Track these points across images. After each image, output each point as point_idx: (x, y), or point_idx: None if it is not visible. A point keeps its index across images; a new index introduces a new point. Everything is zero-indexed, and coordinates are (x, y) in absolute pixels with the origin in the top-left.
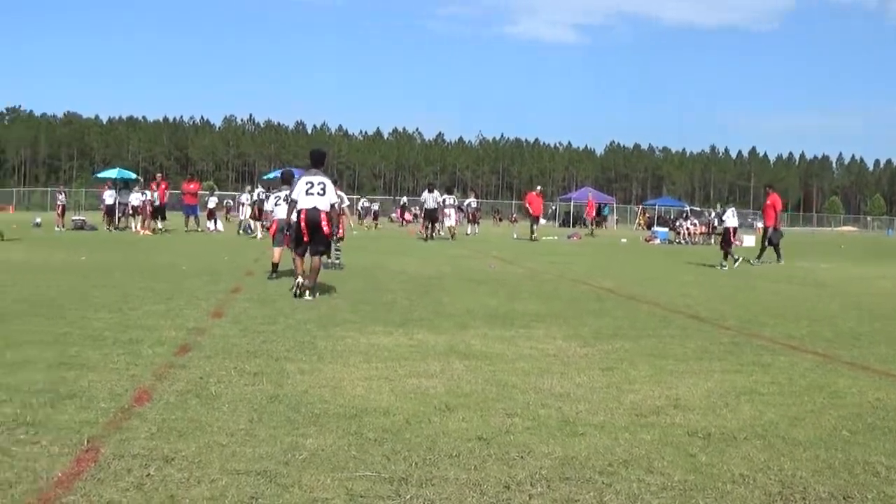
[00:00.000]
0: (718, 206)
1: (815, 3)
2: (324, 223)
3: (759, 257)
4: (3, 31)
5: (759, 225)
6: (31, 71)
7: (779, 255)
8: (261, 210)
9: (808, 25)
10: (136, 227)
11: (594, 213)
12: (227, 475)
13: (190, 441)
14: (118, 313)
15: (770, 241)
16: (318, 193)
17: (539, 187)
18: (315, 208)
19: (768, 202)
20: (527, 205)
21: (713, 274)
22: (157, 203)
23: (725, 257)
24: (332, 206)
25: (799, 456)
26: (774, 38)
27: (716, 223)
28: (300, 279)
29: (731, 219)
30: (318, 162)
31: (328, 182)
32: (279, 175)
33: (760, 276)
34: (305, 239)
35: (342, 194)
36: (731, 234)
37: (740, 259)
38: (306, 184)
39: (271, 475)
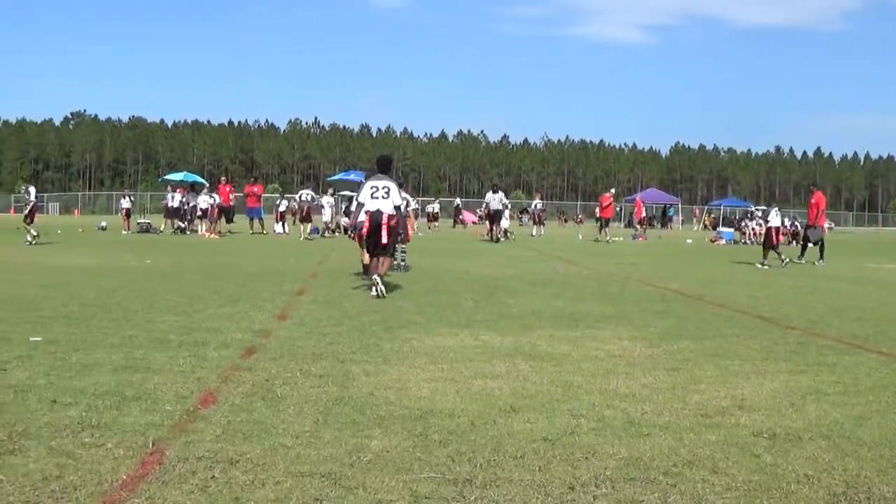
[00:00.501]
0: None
1: (880, 2)
2: (384, 225)
3: (775, 257)
4: (68, 36)
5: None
6: (96, 75)
7: (802, 253)
8: (308, 212)
9: (874, 25)
10: (202, 230)
11: (643, 215)
12: (291, 477)
13: (255, 443)
14: (184, 316)
15: (808, 238)
16: (383, 197)
17: (612, 189)
18: (378, 210)
19: (812, 200)
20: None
21: (778, 274)
22: (222, 206)
23: (765, 256)
24: (397, 208)
25: (864, 456)
26: (840, 37)
27: (791, 224)
28: (375, 277)
29: (774, 219)
30: (384, 167)
31: (392, 186)
32: (347, 177)
33: (825, 277)
34: (367, 238)
35: (408, 197)
36: (775, 234)
37: (766, 264)
38: (371, 188)
39: (336, 477)
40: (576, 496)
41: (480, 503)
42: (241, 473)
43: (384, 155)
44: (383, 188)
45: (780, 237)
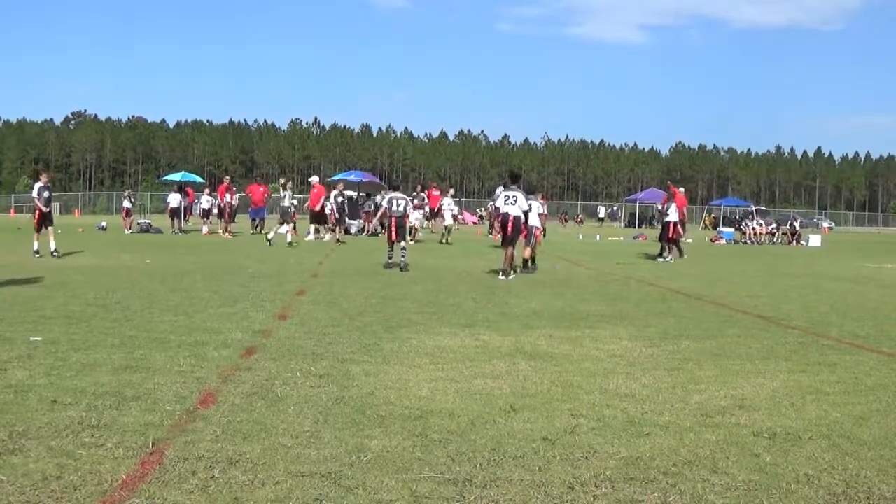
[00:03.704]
0: (659, 205)
1: (881, 2)
2: (509, 224)
3: (670, 253)
4: (68, 36)
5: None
6: (97, 75)
7: (678, 251)
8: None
9: (874, 24)
10: (204, 230)
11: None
12: (291, 477)
13: (255, 443)
14: (184, 316)
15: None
16: (511, 203)
17: (681, 188)
18: (507, 213)
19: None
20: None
21: (778, 274)
22: (222, 206)
23: (667, 250)
24: (526, 213)
25: (864, 455)
26: (840, 37)
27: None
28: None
29: (672, 213)
30: (514, 180)
31: (520, 195)
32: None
33: (826, 277)
34: (501, 234)
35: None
36: (672, 229)
37: (670, 257)
38: (504, 196)
39: (336, 477)
40: (576, 496)
41: (480, 503)
42: (240, 473)
43: (514, 171)
44: (512, 196)
45: (673, 232)
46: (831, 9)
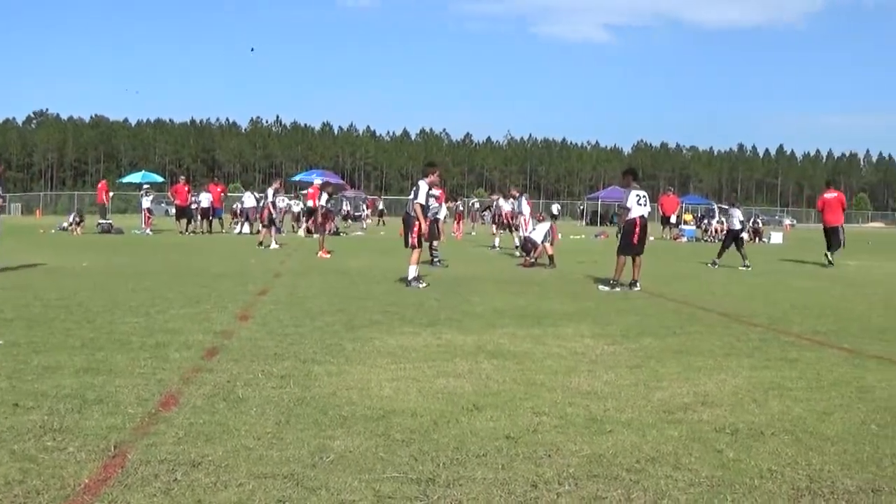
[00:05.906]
0: (555, 207)
1: (842, 4)
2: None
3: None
4: (31, 35)
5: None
6: (58, 74)
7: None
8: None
9: (836, 25)
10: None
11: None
12: (254, 479)
13: (217, 445)
14: (145, 317)
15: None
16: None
17: (671, 188)
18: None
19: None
20: (660, 206)
21: (738, 272)
22: (178, 206)
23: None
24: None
25: (827, 450)
26: (802, 37)
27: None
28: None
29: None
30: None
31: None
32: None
33: (787, 273)
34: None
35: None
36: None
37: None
38: (636, 196)
39: (298, 478)
40: (539, 494)
41: (443, 502)
42: (203, 476)
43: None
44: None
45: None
46: (793, 10)
